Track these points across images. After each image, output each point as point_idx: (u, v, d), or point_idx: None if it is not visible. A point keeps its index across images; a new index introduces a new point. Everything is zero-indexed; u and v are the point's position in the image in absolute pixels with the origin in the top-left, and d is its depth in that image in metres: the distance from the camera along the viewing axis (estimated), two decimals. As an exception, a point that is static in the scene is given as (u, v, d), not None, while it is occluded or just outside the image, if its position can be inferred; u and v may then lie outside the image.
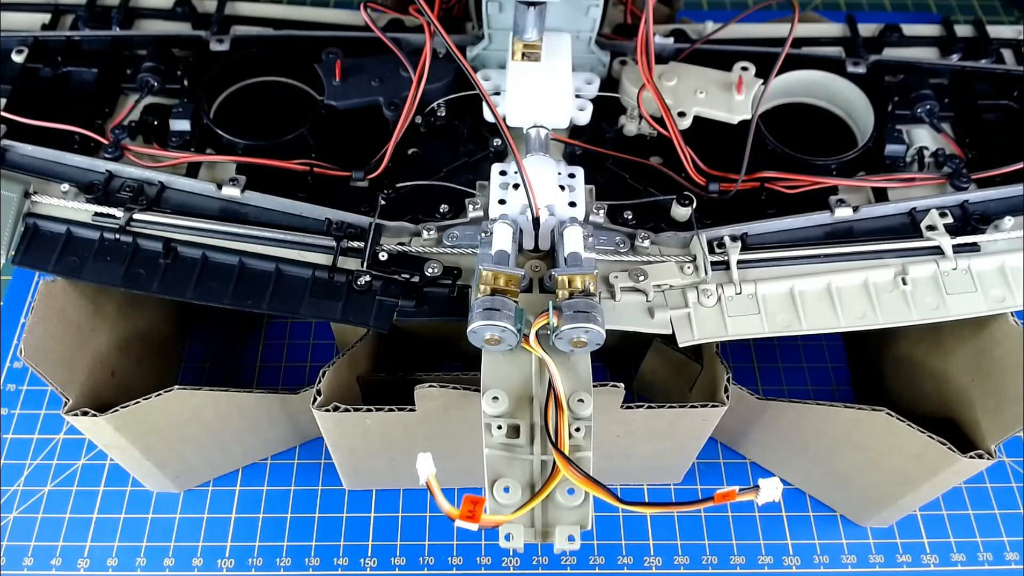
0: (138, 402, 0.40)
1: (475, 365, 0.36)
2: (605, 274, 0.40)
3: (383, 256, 0.41)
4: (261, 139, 0.44)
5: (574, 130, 0.46)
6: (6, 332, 0.56)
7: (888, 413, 0.40)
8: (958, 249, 0.41)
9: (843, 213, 0.42)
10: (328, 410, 0.39)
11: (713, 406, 0.40)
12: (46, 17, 0.50)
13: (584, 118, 0.45)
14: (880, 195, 0.44)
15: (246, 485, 0.51)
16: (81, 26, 0.49)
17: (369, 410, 0.40)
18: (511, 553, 0.48)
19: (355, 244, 0.41)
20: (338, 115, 0.46)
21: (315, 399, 0.39)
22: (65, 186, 0.42)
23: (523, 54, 0.43)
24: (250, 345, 0.56)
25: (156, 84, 0.47)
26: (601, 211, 0.42)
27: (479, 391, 0.35)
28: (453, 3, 0.51)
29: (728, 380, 0.41)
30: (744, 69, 0.47)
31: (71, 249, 0.41)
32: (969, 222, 0.42)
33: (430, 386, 0.38)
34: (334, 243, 0.41)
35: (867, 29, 0.52)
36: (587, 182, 0.43)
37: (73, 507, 0.49)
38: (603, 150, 0.45)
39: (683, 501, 0.33)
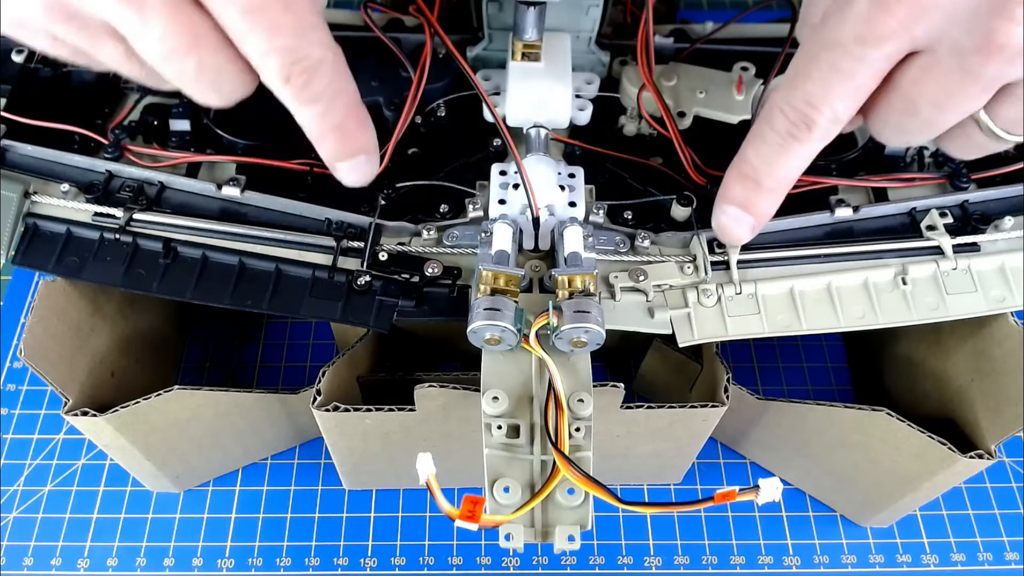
0: (138, 402, 0.40)
1: (475, 365, 0.36)
2: (605, 274, 0.40)
3: (383, 256, 0.41)
4: (261, 139, 0.45)
5: (574, 130, 0.46)
6: (6, 332, 0.56)
7: (888, 413, 0.40)
8: (958, 249, 0.41)
9: (843, 213, 0.42)
10: (328, 410, 0.39)
11: (713, 406, 0.40)
12: (46, 17, 0.50)
13: (584, 118, 0.45)
14: (880, 195, 0.44)
15: (246, 485, 0.51)
16: (81, 26, 0.49)
17: (369, 410, 0.40)
18: (511, 553, 0.48)
19: (355, 244, 0.41)
20: (338, 115, 0.46)
21: (315, 399, 0.39)
22: (65, 186, 0.42)
23: (523, 54, 0.43)
24: (250, 345, 0.56)
25: (156, 84, 0.47)
26: (601, 211, 0.42)
27: (479, 391, 0.35)
28: (453, 3, 0.51)
29: (728, 380, 0.41)
30: (744, 69, 0.47)
31: (71, 249, 0.41)
32: (969, 222, 0.42)
33: (430, 386, 0.38)
34: (334, 243, 0.41)
35: (867, 29, 0.52)
36: (587, 182, 0.43)
37: (73, 507, 0.49)
38: (603, 150, 0.45)
39: (683, 501, 0.33)
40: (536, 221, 0.40)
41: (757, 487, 0.31)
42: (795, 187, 0.43)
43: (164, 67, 0.31)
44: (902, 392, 0.51)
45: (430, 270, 0.40)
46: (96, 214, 0.41)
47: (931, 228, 0.42)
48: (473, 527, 0.30)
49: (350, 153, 0.36)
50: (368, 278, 0.40)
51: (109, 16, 0.29)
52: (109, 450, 0.45)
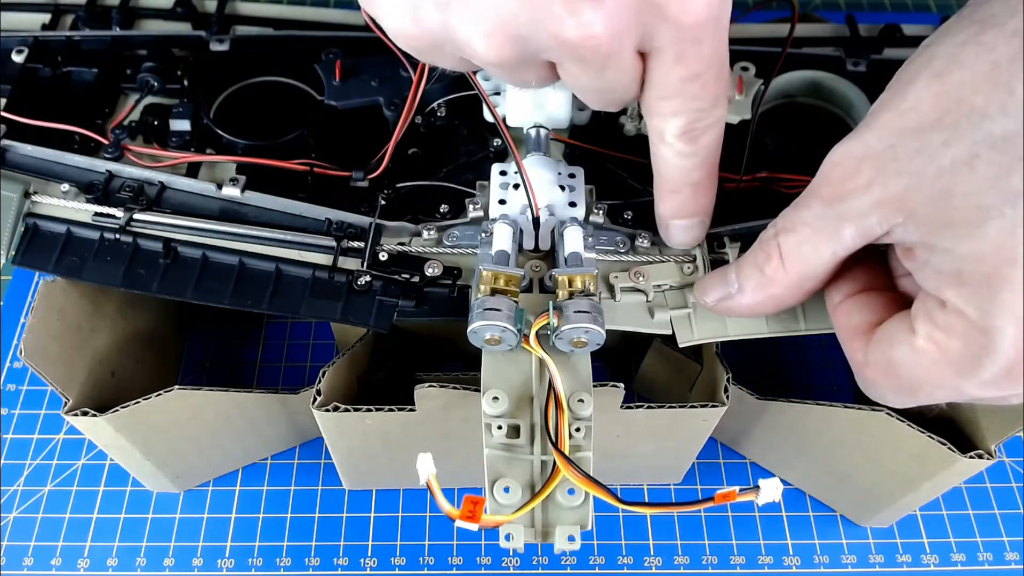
0: (138, 402, 0.40)
1: (475, 365, 0.36)
2: (605, 274, 0.40)
3: (383, 256, 0.41)
4: (261, 139, 0.45)
5: (574, 130, 0.46)
6: (6, 332, 0.56)
7: (888, 413, 0.40)
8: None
9: (843, 213, 0.42)
10: (328, 410, 0.39)
11: (713, 406, 0.40)
12: (46, 17, 0.50)
13: (584, 118, 0.45)
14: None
15: (246, 485, 0.51)
16: (81, 26, 0.49)
17: (369, 410, 0.40)
18: (511, 553, 0.48)
19: (355, 244, 0.41)
20: (338, 115, 0.46)
21: (315, 399, 0.39)
22: (65, 186, 0.42)
23: (523, 54, 0.43)
24: (250, 345, 0.56)
25: (156, 84, 0.47)
26: (601, 211, 0.42)
27: (479, 391, 0.35)
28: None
29: (728, 380, 0.41)
30: (744, 69, 0.47)
31: (71, 249, 0.41)
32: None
33: (430, 386, 0.38)
34: (334, 243, 0.41)
35: (867, 29, 0.52)
36: (587, 182, 0.43)
37: (73, 507, 0.49)
38: (603, 150, 0.45)
39: (683, 501, 0.33)
40: (536, 221, 0.40)
41: (757, 487, 0.31)
42: (795, 187, 0.44)
43: (580, 87, 0.32)
44: (902, 392, 0.50)
45: (430, 270, 0.40)
46: (96, 214, 0.41)
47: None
48: (473, 527, 0.30)
49: (692, 213, 0.36)
50: (368, 278, 0.40)
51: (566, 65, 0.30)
52: (109, 450, 0.45)
